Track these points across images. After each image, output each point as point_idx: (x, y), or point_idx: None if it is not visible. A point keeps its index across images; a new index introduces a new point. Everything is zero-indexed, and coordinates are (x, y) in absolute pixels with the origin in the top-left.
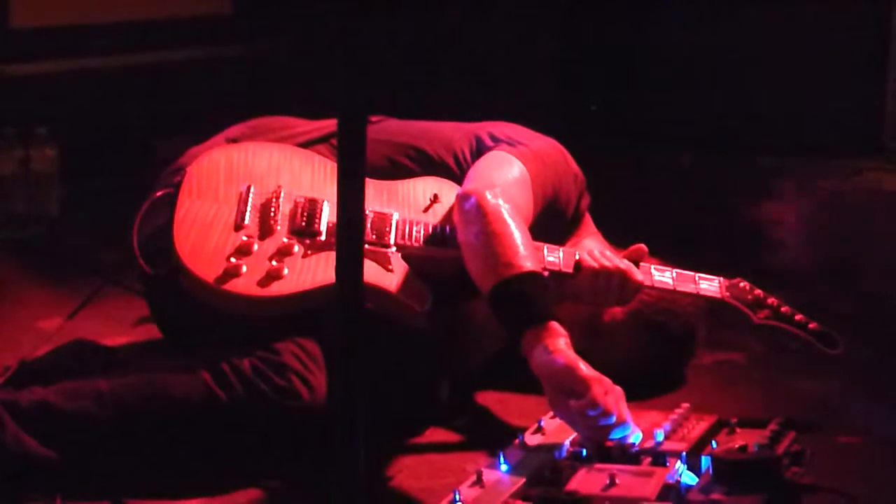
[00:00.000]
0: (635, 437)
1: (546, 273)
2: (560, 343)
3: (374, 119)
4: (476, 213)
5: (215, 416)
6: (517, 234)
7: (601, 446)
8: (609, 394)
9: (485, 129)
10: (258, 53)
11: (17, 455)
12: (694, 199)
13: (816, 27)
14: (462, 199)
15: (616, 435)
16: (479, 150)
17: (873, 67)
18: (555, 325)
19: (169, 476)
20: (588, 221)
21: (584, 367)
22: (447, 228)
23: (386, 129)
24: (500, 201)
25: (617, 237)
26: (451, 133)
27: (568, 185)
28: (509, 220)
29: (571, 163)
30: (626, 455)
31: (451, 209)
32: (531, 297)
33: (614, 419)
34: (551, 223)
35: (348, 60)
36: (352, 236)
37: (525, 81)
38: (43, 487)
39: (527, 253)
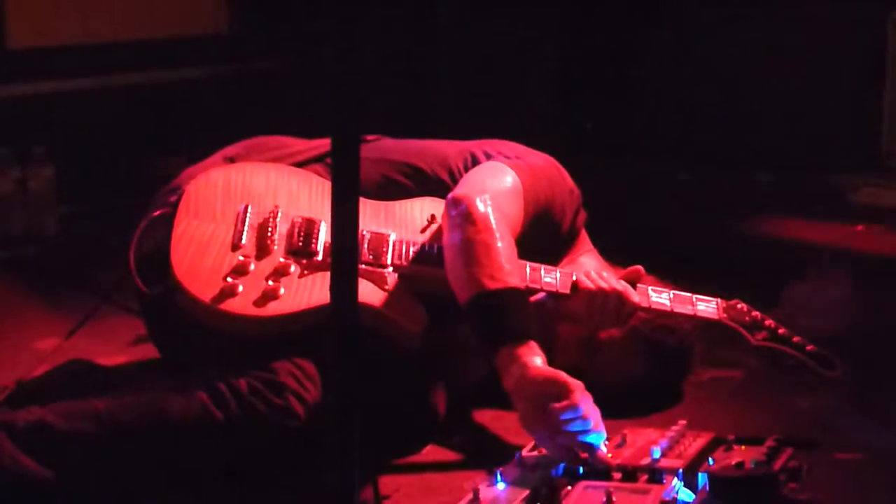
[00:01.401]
0: (603, 449)
1: (543, 294)
2: (537, 361)
3: (369, 138)
4: (464, 219)
5: (212, 435)
6: (503, 247)
7: (575, 459)
8: (589, 403)
9: (479, 146)
10: (255, 73)
11: (14, 475)
12: (691, 214)
13: (814, 46)
14: (451, 203)
15: (589, 439)
16: (474, 166)
17: (870, 87)
18: (534, 343)
19: (165, 496)
20: (584, 238)
21: (565, 375)
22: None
23: (381, 147)
24: (490, 210)
25: (613, 254)
26: (446, 150)
27: (563, 200)
28: (497, 231)
29: (567, 178)
30: (625, 472)
31: None
32: (512, 313)
33: (591, 424)
34: (546, 238)
35: (342, 80)
36: (346, 256)
37: (520, 99)
38: None
39: (511, 267)
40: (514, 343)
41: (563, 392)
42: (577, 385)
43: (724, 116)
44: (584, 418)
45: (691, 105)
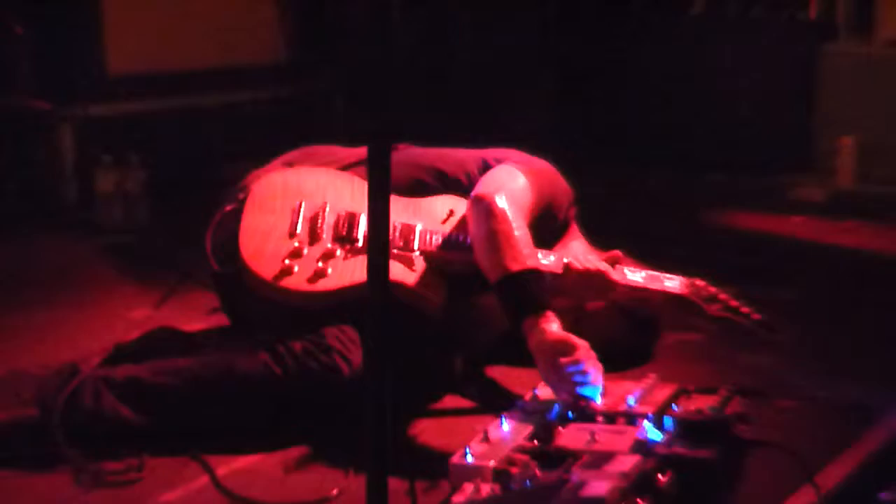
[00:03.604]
0: (598, 400)
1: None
2: (554, 327)
3: (400, 146)
4: (487, 214)
5: (272, 387)
6: (520, 235)
7: (577, 405)
8: (591, 360)
9: (490, 153)
10: (306, 93)
11: (114, 420)
12: (661, 208)
13: (764, 72)
14: (476, 201)
15: (586, 392)
16: (485, 170)
17: (807, 104)
18: (550, 313)
19: (234, 436)
20: (574, 228)
21: (575, 337)
22: (460, 237)
23: (410, 154)
24: (507, 205)
25: (598, 240)
26: (463, 156)
27: (560, 197)
28: (514, 222)
29: (562, 179)
30: (606, 416)
31: (464, 220)
32: (533, 289)
33: (589, 378)
34: (546, 227)
35: (376, 98)
36: (380, 243)
37: (524, 115)
38: (135, 446)
39: (529, 251)
40: (536, 314)
41: (569, 350)
42: (582, 345)
43: (688, 128)
44: (583, 372)
45: (662, 119)
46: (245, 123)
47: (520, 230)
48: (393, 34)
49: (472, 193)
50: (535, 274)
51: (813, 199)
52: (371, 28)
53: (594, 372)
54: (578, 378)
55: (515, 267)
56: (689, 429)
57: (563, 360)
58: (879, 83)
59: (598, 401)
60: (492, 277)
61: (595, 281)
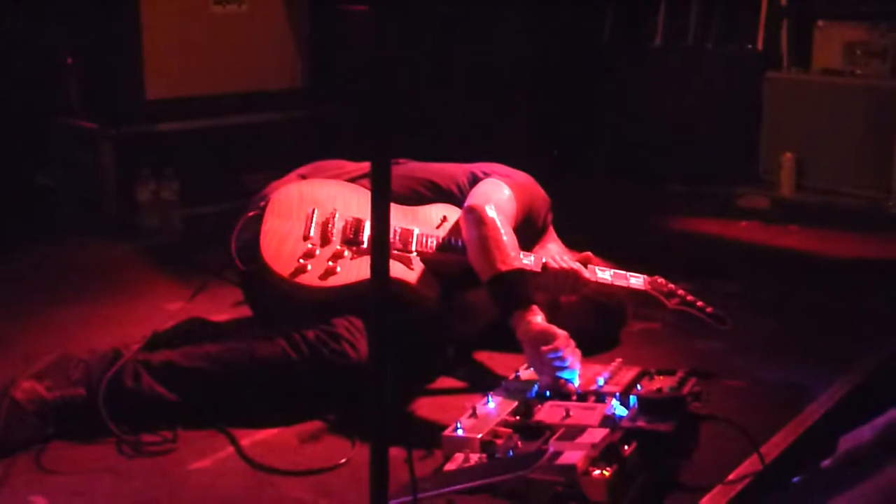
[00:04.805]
0: (575, 382)
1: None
2: (538, 319)
3: (400, 161)
4: (479, 222)
5: (288, 370)
6: (508, 240)
7: (557, 388)
8: (569, 347)
9: (478, 167)
10: (319, 115)
11: (151, 398)
12: (625, 214)
13: (717, 99)
14: (468, 210)
15: (565, 375)
16: (474, 181)
17: (753, 124)
18: (535, 307)
19: (256, 412)
20: (551, 231)
21: (556, 328)
22: (452, 240)
23: (407, 168)
24: (496, 214)
25: (571, 242)
26: (454, 170)
27: (538, 205)
28: (502, 228)
29: (541, 190)
30: (578, 395)
31: (455, 225)
32: (519, 287)
33: (568, 363)
34: (527, 231)
35: (380, 118)
36: (382, 245)
37: (509, 133)
38: (169, 420)
39: (515, 254)
40: (523, 308)
41: (551, 339)
42: (561, 334)
43: (651, 145)
44: (563, 358)
45: (629, 137)
46: (265, 141)
47: (507, 235)
48: (394, 65)
49: (465, 204)
50: (521, 273)
51: (758, 206)
52: (374, 60)
53: (572, 358)
54: (559, 363)
55: (504, 267)
56: (650, 406)
57: (545, 347)
58: (816, 106)
59: (576, 382)
60: (483, 276)
61: (569, 279)
